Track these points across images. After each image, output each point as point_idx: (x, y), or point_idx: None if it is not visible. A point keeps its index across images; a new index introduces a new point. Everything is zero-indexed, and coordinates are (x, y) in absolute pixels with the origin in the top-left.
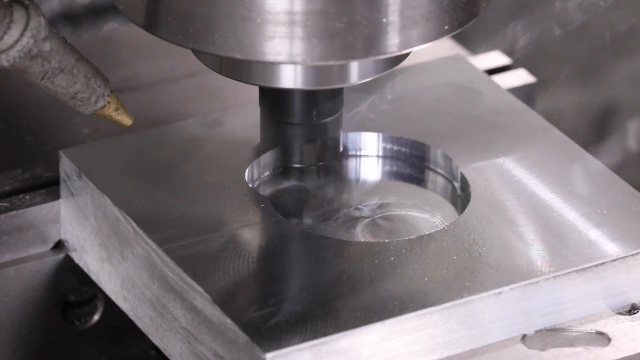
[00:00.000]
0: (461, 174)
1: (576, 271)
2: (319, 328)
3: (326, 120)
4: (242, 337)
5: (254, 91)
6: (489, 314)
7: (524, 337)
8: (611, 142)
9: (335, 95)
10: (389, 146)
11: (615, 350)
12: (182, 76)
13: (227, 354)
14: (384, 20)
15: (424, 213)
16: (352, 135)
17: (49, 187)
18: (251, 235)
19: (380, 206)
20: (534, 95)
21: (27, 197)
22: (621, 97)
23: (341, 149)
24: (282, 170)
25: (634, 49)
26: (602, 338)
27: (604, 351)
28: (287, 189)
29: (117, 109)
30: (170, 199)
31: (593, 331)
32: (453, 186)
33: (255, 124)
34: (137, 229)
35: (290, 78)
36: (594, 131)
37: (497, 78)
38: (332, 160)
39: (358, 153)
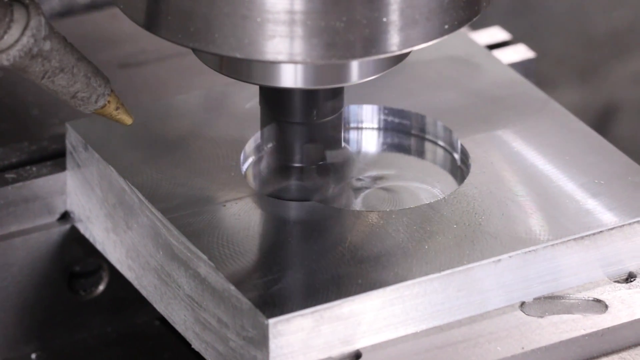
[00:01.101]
0: (461, 145)
1: (574, 240)
2: (321, 295)
3: (327, 119)
4: (246, 303)
5: None
6: (488, 281)
7: (522, 304)
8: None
9: (335, 95)
10: (389, 118)
11: (612, 317)
12: (188, 51)
13: (231, 320)
14: (385, 19)
15: (424, 184)
16: (353, 107)
17: (56, 159)
18: (254, 205)
19: (381, 177)
20: (533, 70)
21: (34, 168)
22: (621, 97)
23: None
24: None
25: (634, 49)
26: (599, 305)
27: (601, 318)
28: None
29: (117, 108)
30: (175, 170)
31: (590, 299)
32: (453, 157)
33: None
34: (142, 198)
35: (290, 77)
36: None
37: (497, 53)
38: (332, 159)
39: (359, 125)
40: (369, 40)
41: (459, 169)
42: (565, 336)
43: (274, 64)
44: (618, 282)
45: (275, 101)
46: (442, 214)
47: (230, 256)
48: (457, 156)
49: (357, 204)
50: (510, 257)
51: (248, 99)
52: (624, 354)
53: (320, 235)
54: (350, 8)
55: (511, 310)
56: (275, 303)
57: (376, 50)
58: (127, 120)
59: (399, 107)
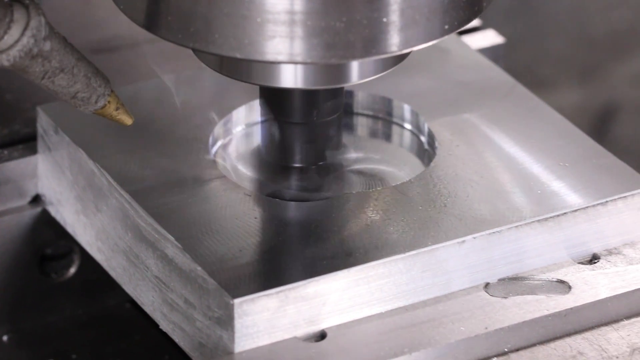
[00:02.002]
0: (428, 128)
1: (538, 221)
2: (286, 275)
3: (327, 119)
4: (212, 283)
5: None
6: (453, 262)
7: (486, 285)
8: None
9: (335, 95)
10: (357, 102)
11: (576, 298)
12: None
13: (197, 300)
14: (385, 19)
15: (391, 167)
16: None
17: (27, 143)
18: (222, 188)
19: (349, 160)
20: (502, 55)
21: (6, 152)
22: (621, 97)
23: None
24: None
25: (634, 49)
26: (563, 286)
27: (565, 299)
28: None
29: (117, 109)
30: (144, 153)
31: (554, 280)
32: (420, 140)
33: (230, 79)
34: (111, 181)
35: (290, 77)
36: (594, 131)
37: (466, 38)
38: (332, 159)
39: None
40: (369, 41)
41: (426, 152)
42: (529, 317)
43: (274, 64)
44: (582, 263)
45: (276, 101)
46: (408, 196)
47: (197, 237)
48: (424, 139)
49: (325, 186)
50: (474, 238)
51: (218, 82)
52: (587, 335)
53: (287, 217)
54: (351, 8)
55: (475, 291)
56: (240, 283)
57: (376, 50)
58: (127, 120)
59: (367, 91)
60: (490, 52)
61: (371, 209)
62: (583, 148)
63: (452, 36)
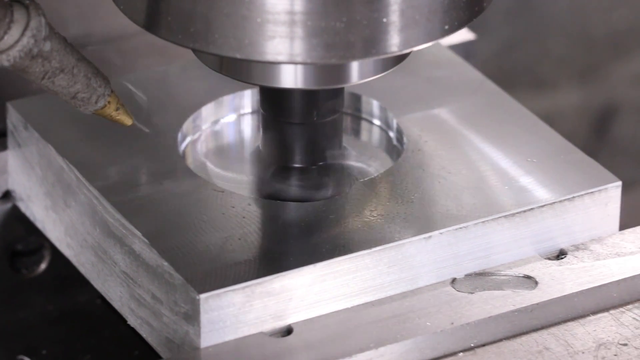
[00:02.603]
0: (397, 124)
1: (505, 216)
2: (253, 270)
3: (327, 120)
4: (178, 279)
5: None
6: (419, 257)
7: (453, 280)
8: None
9: (335, 95)
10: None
11: (542, 294)
12: (133, 33)
13: (164, 295)
14: (385, 20)
15: (360, 162)
16: None
17: None
18: (190, 184)
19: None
20: (473, 52)
21: None
22: (621, 97)
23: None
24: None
25: (634, 49)
26: (530, 282)
27: (531, 294)
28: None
29: (117, 109)
30: (114, 149)
31: (520, 275)
32: (388, 136)
33: (199, 76)
34: (80, 176)
35: (290, 78)
36: (594, 131)
37: None
38: (333, 159)
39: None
40: (369, 41)
41: (395, 148)
42: (495, 312)
43: (274, 64)
44: (549, 259)
45: (276, 102)
46: (376, 191)
47: (164, 233)
48: (392, 135)
49: (293, 182)
50: (441, 233)
51: (188, 78)
52: (553, 330)
53: (254, 212)
54: (351, 9)
55: (442, 287)
56: (206, 279)
57: (376, 50)
58: (128, 120)
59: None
60: (462, 49)
61: (338, 204)
62: (551, 144)
63: None
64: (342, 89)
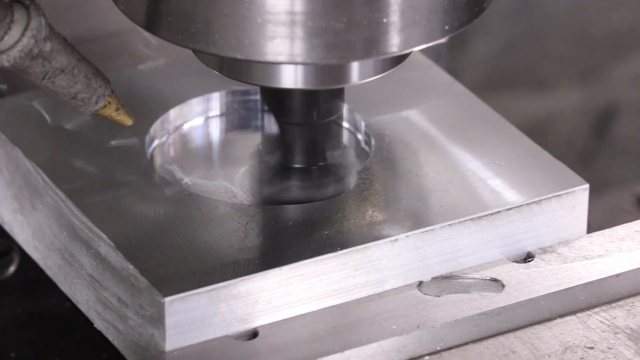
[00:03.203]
0: (365, 126)
1: (472, 219)
2: (218, 274)
3: (327, 120)
4: (143, 282)
5: (173, 50)
6: (386, 260)
7: (420, 283)
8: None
9: (335, 95)
10: None
11: (509, 297)
12: (103, 36)
13: (130, 299)
14: (385, 20)
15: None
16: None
17: None
18: (156, 187)
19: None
20: (442, 54)
21: None
22: (621, 97)
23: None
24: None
25: (634, 49)
26: (496, 285)
27: (498, 297)
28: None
29: (117, 109)
30: (81, 151)
31: (487, 278)
32: (357, 138)
33: (168, 78)
34: (46, 179)
35: (290, 78)
36: (594, 131)
37: None
38: (332, 160)
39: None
40: (369, 41)
41: (363, 150)
42: (462, 315)
43: (274, 64)
44: (517, 262)
45: (276, 102)
46: (342, 194)
47: (130, 236)
48: (360, 137)
49: (260, 183)
50: (407, 236)
51: (156, 81)
52: (520, 333)
53: (220, 216)
54: (351, 9)
55: (408, 290)
56: (172, 282)
57: (377, 51)
58: (128, 121)
59: None
60: (432, 51)
61: (305, 208)
62: (519, 146)
63: None
64: (342, 89)
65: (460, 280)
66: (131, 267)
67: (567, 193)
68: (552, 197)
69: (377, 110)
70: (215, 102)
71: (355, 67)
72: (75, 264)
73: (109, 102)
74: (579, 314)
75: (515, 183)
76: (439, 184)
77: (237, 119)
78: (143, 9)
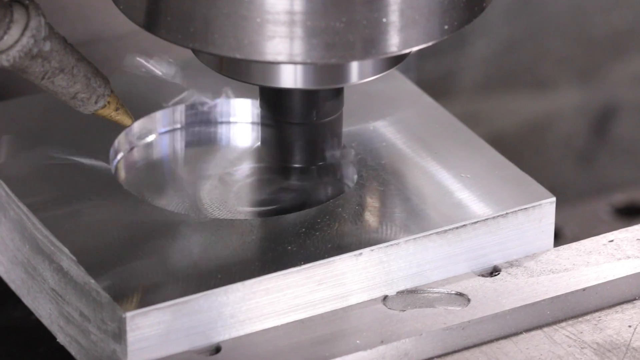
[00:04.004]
0: None
1: (437, 233)
2: (180, 288)
3: (326, 120)
4: (105, 296)
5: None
6: (350, 275)
7: (385, 298)
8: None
9: (335, 95)
10: (261, 112)
11: (474, 311)
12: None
13: (92, 313)
14: (384, 20)
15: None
16: (224, 101)
17: None
18: (119, 201)
19: (253, 171)
20: (413, 65)
21: None
22: (621, 97)
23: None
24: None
25: (634, 49)
26: (462, 299)
27: (463, 311)
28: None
29: (117, 109)
30: (45, 164)
31: (453, 292)
32: None
33: (132, 90)
34: (9, 192)
35: (290, 78)
36: (594, 131)
37: None
38: (332, 160)
39: (231, 120)
40: (368, 41)
41: None
42: (426, 330)
43: (273, 64)
44: (483, 275)
45: (275, 102)
46: (307, 208)
47: (92, 250)
48: None
49: (226, 198)
50: (371, 250)
51: (121, 93)
52: (485, 348)
53: (183, 230)
54: (350, 9)
55: (373, 304)
56: (133, 296)
57: (376, 51)
58: (127, 121)
59: None
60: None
61: (267, 221)
62: (486, 158)
63: None
64: (341, 89)
65: (426, 294)
66: (92, 281)
67: (533, 206)
68: (518, 210)
69: (345, 121)
70: (179, 114)
71: (354, 67)
72: (38, 278)
73: (109, 102)
74: (545, 329)
75: (481, 196)
76: (404, 197)
77: (202, 132)
78: (142, 8)
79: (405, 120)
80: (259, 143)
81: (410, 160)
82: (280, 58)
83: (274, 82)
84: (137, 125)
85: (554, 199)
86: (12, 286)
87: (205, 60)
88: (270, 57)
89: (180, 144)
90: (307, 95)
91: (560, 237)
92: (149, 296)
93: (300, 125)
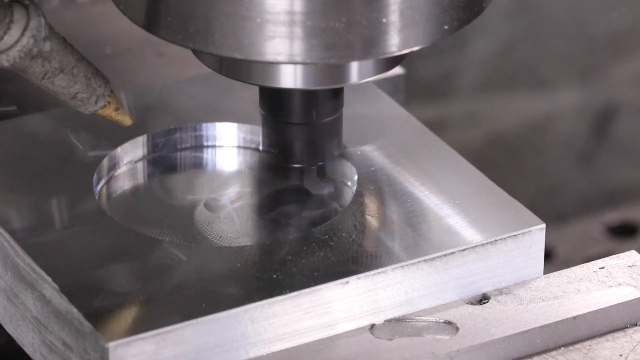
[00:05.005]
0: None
1: (425, 261)
2: (164, 318)
3: (326, 120)
4: (87, 326)
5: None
6: (337, 303)
7: (372, 326)
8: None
9: (335, 95)
10: (248, 136)
11: (463, 339)
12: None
13: (74, 343)
14: (384, 20)
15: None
16: (210, 125)
17: None
18: (103, 228)
19: (239, 196)
20: (402, 86)
21: None
22: (621, 97)
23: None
24: None
25: (634, 49)
26: (450, 327)
27: (452, 340)
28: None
29: (117, 109)
30: (28, 190)
31: (441, 320)
32: None
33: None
34: None
35: (290, 78)
36: (594, 131)
37: None
38: (331, 160)
39: (216, 143)
40: (368, 41)
41: None
42: (414, 359)
43: (273, 64)
44: (472, 303)
45: (275, 102)
46: (293, 234)
47: (74, 278)
48: None
49: (214, 223)
50: (358, 278)
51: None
52: None
53: (167, 258)
54: (350, 9)
55: (360, 333)
56: (116, 326)
57: (376, 51)
58: (127, 121)
59: (258, 125)
60: (390, 83)
61: (253, 248)
62: (475, 184)
63: None
64: (341, 89)
65: (414, 322)
66: (75, 310)
67: (523, 233)
68: (507, 237)
69: None
70: (163, 138)
71: (354, 67)
72: (21, 306)
73: (109, 102)
74: (535, 358)
75: (470, 222)
76: (392, 224)
77: (188, 156)
78: (142, 8)
79: (393, 145)
80: (259, 143)
81: (398, 185)
82: (280, 58)
83: (274, 82)
84: (121, 150)
85: (543, 225)
86: None
87: (205, 60)
88: (270, 57)
89: (165, 169)
90: (307, 95)
91: (552, 257)
92: (132, 325)
93: (300, 125)
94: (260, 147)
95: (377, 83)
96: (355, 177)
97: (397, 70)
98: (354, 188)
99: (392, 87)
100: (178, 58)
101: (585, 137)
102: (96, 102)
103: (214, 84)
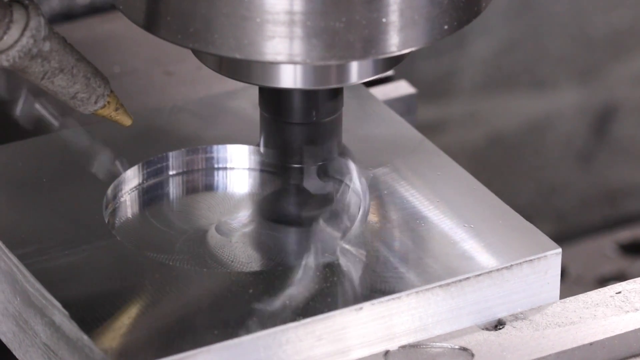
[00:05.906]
0: None
1: (440, 286)
2: (176, 344)
3: (326, 120)
4: (98, 353)
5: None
6: (351, 329)
7: (386, 353)
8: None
9: (335, 95)
10: (259, 158)
11: None
12: None
13: None
14: (384, 20)
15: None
16: (221, 148)
17: None
18: (113, 252)
19: (251, 219)
20: (415, 106)
21: None
22: (621, 97)
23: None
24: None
25: (634, 49)
26: (466, 354)
27: None
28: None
29: (117, 109)
30: (36, 213)
31: (456, 347)
32: None
33: (123, 138)
34: (0, 243)
35: (289, 78)
36: (594, 131)
37: (378, 89)
38: (331, 160)
39: (228, 165)
40: (368, 41)
41: None
42: None
43: (273, 64)
44: (487, 329)
45: (275, 102)
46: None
47: (85, 304)
48: None
49: (226, 248)
50: (372, 304)
51: (112, 138)
52: None
53: (178, 282)
54: (350, 9)
55: (375, 359)
56: (127, 353)
57: (376, 50)
58: (127, 121)
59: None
60: (402, 103)
61: (265, 274)
62: (490, 208)
63: (359, 87)
64: (341, 89)
65: (429, 349)
66: (85, 337)
67: (538, 258)
68: (523, 262)
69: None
70: (172, 160)
71: (354, 67)
72: (30, 332)
73: (108, 102)
74: None
75: (486, 247)
76: (405, 248)
77: (198, 178)
78: (142, 8)
79: (406, 167)
80: (259, 143)
81: (412, 209)
82: (280, 58)
83: (274, 82)
84: (131, 173)
85: (559, 250)
86: (3, 339)
87: (205, 60)
88: (270, 57)
89: (175, 192)
90: (307, 95)
91: (564, 276)
92: (143, 352)
93: (300, 125)
94: (261, 147)
95: (390, 104)
96: (368, 198)
97: (409, 89)
98: (367, 207)
99: (404, 108)
100: (187, 78)
101: (585, 137)
102: (96, 102)
103: (224, 104)
